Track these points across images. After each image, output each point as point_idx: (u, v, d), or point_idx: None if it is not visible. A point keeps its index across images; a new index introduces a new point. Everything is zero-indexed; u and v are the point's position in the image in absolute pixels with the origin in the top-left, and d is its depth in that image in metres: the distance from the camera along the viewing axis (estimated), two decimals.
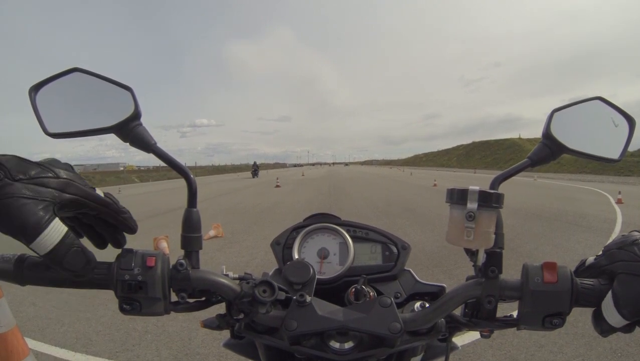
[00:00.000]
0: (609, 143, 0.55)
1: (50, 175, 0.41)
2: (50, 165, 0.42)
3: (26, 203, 0.38)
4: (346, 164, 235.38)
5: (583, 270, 0.51)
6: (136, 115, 0.51)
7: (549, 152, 0.53)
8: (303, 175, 35.42)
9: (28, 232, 0.38)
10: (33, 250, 0.40)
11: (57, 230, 0.40)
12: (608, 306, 0.46)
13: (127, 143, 0.52)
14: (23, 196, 0.38)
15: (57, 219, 0.40)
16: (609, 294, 0.46)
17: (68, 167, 0.44)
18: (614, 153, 0.54)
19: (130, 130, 0.51)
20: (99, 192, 0.45)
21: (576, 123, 0.54)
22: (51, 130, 0.50)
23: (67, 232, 0.41)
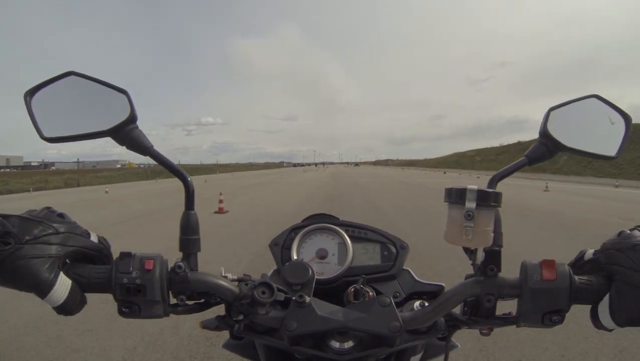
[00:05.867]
0: (605, 141, 0.55)
1: (50, 231, 0.45)
2: (48, 220, 0.46)
3: (36, 263, 0.43)
4: (356, 164, 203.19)
5: (582, 263, 0.51)
6: (132, 119, 0.51)
7: (545, 150, 0.54)
8: (293, 180, 24.62)
9: (40, 289, 0.43)
10: (47, 303, 0.45)
11: (64, 284, 0.45)
12: (604, 310, 0.47)
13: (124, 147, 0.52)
14: (32, 256, 0.43)
15: (62, 274, 0.45)
16: (606, 298, 0.47)
17: (62, 216, 0.48)
18: (611, 151, 0.55)
19: (126, 133, 0.51)
20: (93, 236, 0.50)
21: (573, 122, 0.54)
22: (47, 134, 0.50)
23: (72, 285, 0.46)
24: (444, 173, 39.95)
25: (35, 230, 0.44)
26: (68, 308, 0.46)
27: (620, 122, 0.55)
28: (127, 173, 39.28)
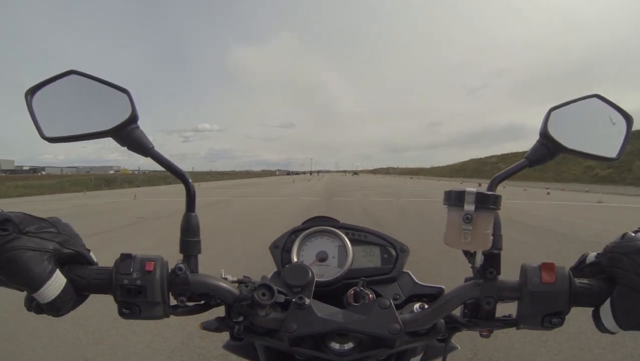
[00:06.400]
0: (606, 142, 0.54)
1: (52, 230, 0.45)
2: (53, 222, 0.46)
3: (32, 256, 0.42)
4: (355, 173, 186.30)
5: (583, 266, 0.51)
6: (133, 118, 0.50)
7: (546, 152, 0.53)
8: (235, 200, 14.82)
9: (32, 283, 0.42)
10: (36, 298, 0.44)
11: (58, 281, 0.44)
12: (606, 313, 0.46)
13: (125, 147, 0.51)
14: (29, 248, 0.42)
15: (57, 271, 0.44)
16: (608, 301, 0.46)
17: (68, 226, 0.48)
18: (612, 152, 0.54)
19: (127, 133, 0.50)
20: (92, 254, 0.50)
21: (573, 122, 0.53)
22: (48, 134, 0.49)
23: (66, 283, 0.45)
24: (479, 185, 20.49)
25: (37, 225, 0.44)
26: (57, 306, 0.44)
27: (622, 122, 0.54)
28: (65, 182, 30.10)
